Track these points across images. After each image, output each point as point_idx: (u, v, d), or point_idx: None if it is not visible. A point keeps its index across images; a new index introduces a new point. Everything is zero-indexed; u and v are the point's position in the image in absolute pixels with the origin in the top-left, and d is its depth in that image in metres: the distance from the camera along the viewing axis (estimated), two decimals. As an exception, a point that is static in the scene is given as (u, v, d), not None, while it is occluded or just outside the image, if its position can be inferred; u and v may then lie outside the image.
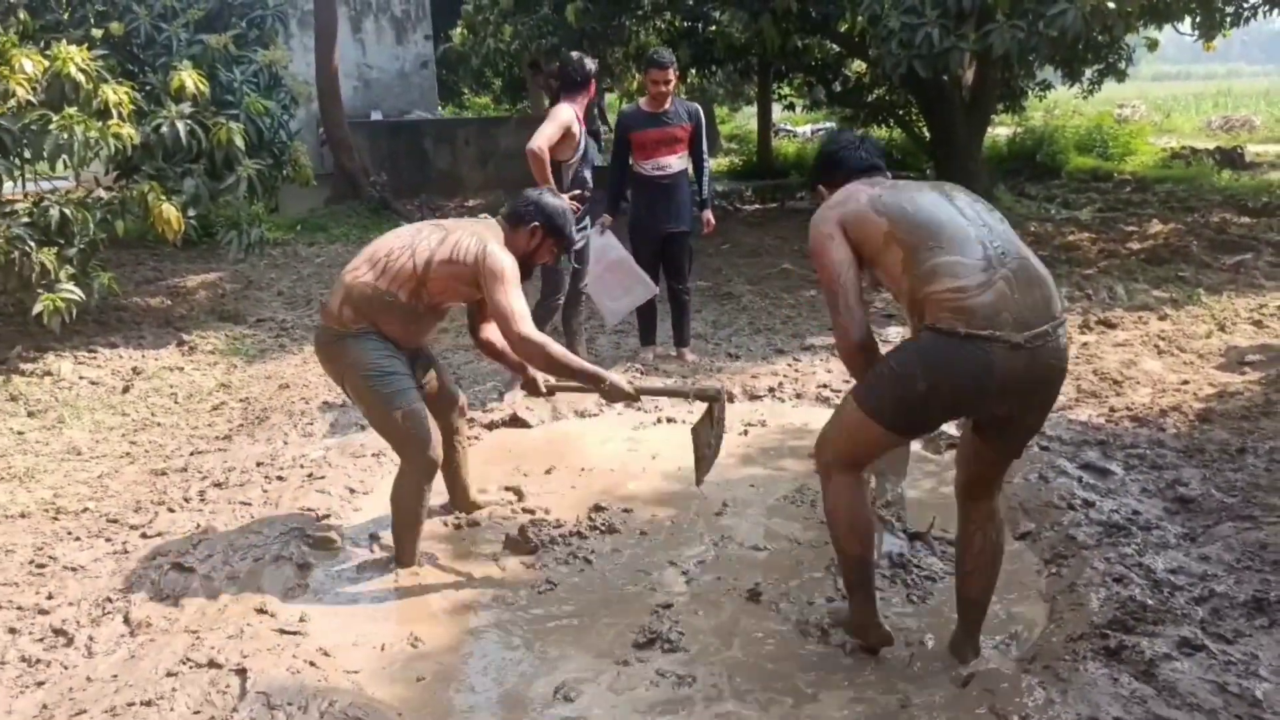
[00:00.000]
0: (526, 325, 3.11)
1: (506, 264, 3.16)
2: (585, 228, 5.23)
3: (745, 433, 4.62)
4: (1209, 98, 27.02)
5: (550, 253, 3.44)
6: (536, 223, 3.33)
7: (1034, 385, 2.45)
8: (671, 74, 5.29)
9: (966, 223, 2.50)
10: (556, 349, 3.17)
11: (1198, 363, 5.32)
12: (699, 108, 5.61)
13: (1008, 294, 2.38)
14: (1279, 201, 10.22)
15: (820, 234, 2.60)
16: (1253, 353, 5.40)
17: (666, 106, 5.34)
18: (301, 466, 4.16)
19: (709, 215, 5.64)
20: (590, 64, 5.11)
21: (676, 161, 5.42)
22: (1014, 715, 2.34)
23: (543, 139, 4.76)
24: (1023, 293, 2.40)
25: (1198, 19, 9.20)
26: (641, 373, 5.37)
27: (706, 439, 3.34)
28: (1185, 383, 4.95)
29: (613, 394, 3.22)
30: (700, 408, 3.36)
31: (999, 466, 2.68)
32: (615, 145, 5.52)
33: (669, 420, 4.84)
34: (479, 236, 3.20)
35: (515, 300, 3.12)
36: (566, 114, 4.94)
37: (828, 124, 19.27)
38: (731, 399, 5.09)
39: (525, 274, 3.33)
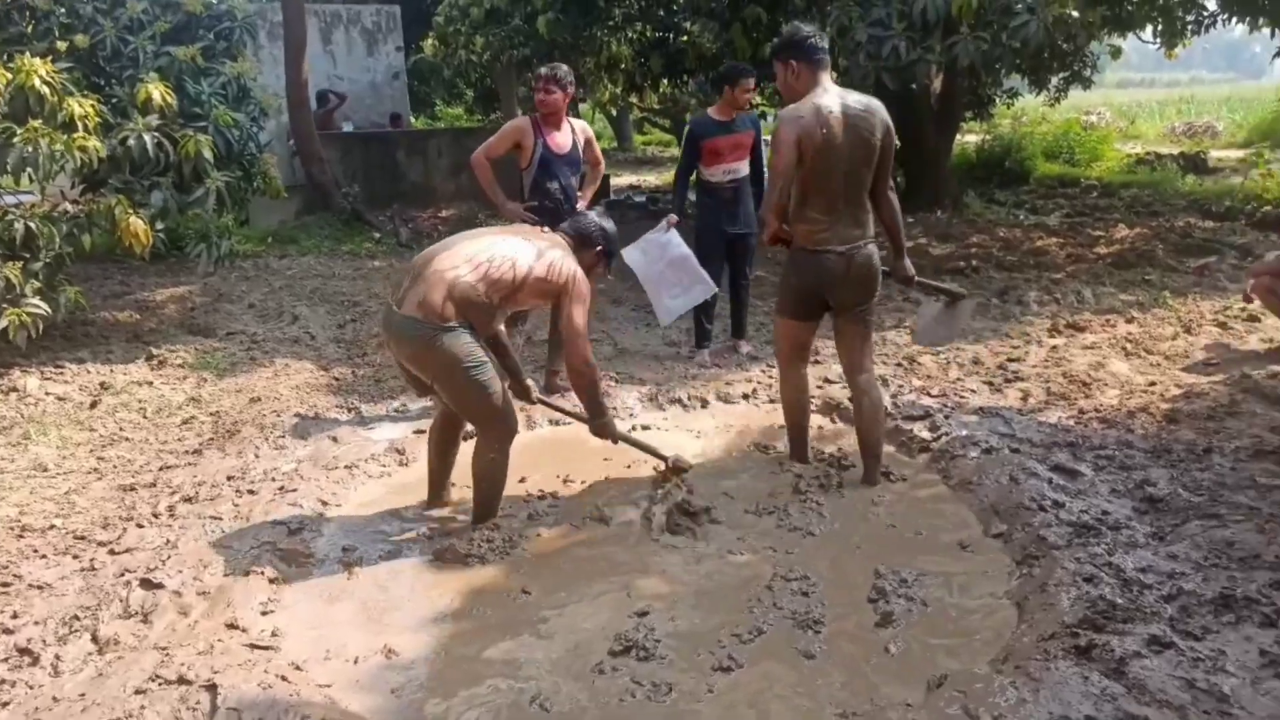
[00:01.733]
0: (588, 348, 3.67)
1: (587, 290, 3.65)
2: None
3: (724, 440, 4.64)
4: (1172, 104, 27.44)
5: (600, 271, 3.92)
6: (601, 246, 3.83)
7: None
8: (752, 83, 5.62)
9: None
10: (598, 378, 3.78)
11: (1164, 364, 5.40)
12: (756, 116, 5.90)
13: None
14: (1241, 206, 10.39)
15: None
16: (1217, 354, 5.49)
17: (735, 116, 5.60)
18: (273, 480, 4.12)
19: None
20: (542, 71, 5.17)
21: (743, 167, 5.69)
22: (986, 715, 2.36)
23: (480, 148, 5.21)
24: None
25: (1159, 27, 9.38)
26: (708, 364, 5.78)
27: (664, 491, 3.88)
28: (1152, 384, 5.02)
29: (601, 431, 3.86)
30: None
31: None
32: (685, 151, 5.84)
33: (643, 428, 4.84)
34: (566, 258, 3.64)
35: (585, 324, 3.65)
36: (511, 124, 5.29)
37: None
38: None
39: None
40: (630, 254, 5.55)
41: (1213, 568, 3.04)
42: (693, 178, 5.82)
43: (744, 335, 6.05)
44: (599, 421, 3.84)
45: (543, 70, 5.15)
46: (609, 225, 3.89)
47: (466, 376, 3.44)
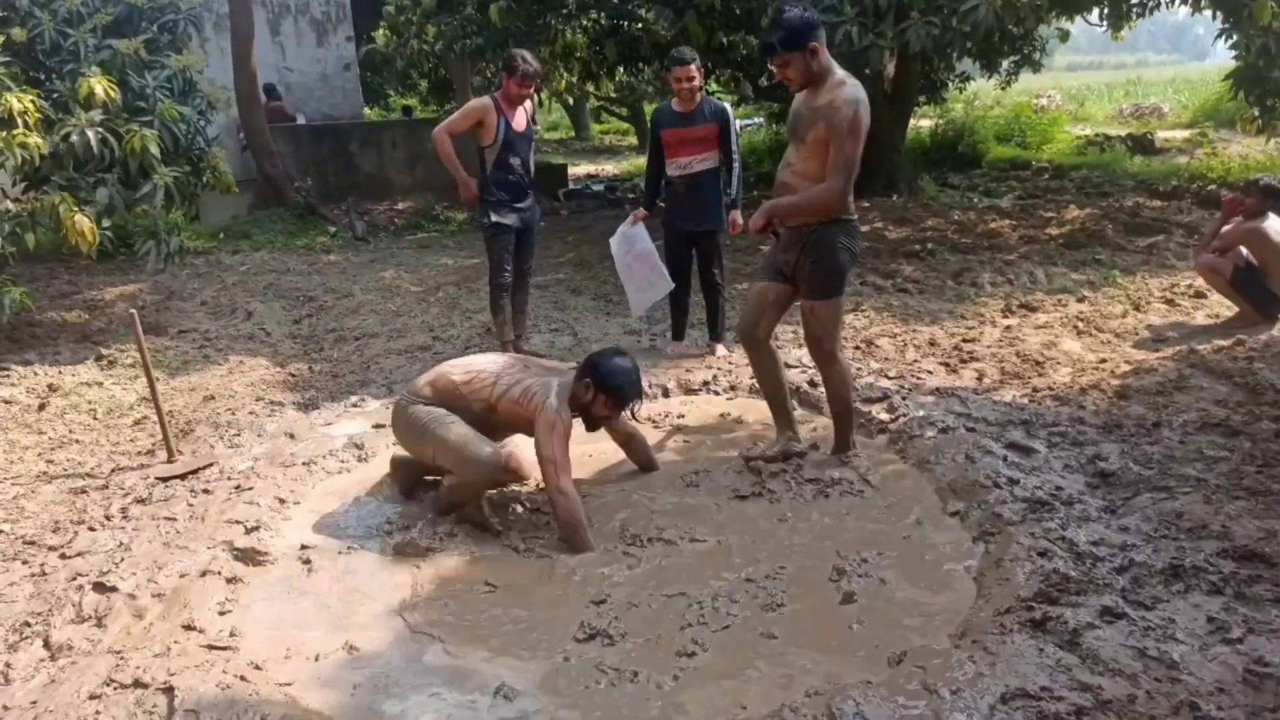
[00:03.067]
0: (564, 478, 3.49)
1: (557, 421, 3.52)
2: (526, 208, 5.60)
3: (679, 427, 4.65)
4: (1120, 86, 27.91)
5: (608, 407, 3.65)
6: (588, 379, 3.60)
7: None
8: (694, 70, 5.33)
9: None
10: (575, 511, 3.47)
11: (1115, 342, 5.51)
12: (727, 107, 5.61)
13: None
14: (1187, 185, 10.61)
15: None
16: (1167, 330, 5.62)
17: (694, 106, 5.40)
18: (229, 478, 4.06)
19: (736, 216, 5.48)
20: (528, 70, 5.30)
21: (699, 161, 5.45)
22: (945, 689, 2.39)
23: (442, 124, 5.43)
24: None
25: (1106, 10, 9.52)
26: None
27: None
28: (1103, 361, 5.11)
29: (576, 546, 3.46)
30: None
31: None
32: (650, 143, 5.72)
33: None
34: (548, 390, 3.60)
35: (557, 451, 3.50)
36: (474, 103, 5.47)
37: (756, 119, 19.44)
38: (668, 394, 5.13)
39: (590, 426, 3.74)
40: (613, 243, 5.64)
41: (1162, 539, 3.11)
42: None
43: (721, 338, 5.78)
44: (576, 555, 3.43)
45: (528, 69, 5.29)
46: (604, 360, 3.63)
47: (425, 432, 3.61)
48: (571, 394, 3.62)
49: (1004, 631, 2.63)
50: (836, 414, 4.10)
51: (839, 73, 3.69)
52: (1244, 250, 5.57)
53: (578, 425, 3.69)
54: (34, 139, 5.33)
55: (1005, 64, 13.32)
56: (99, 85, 5.75)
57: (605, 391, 3.60)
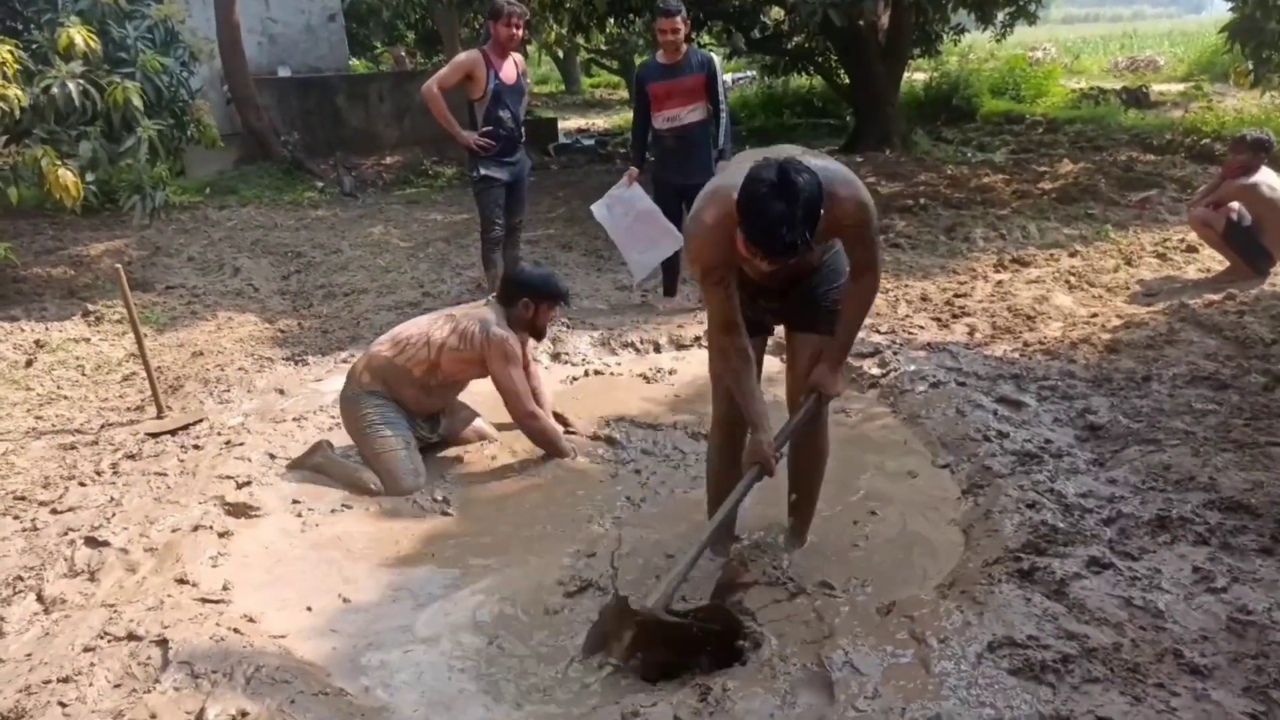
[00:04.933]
0: (529, 403, 3.72)
1: (509, 349, 3.66)
2: (515, 162, 5.58)
3: (671, 381, 4.64)
4: (1116, 39, 27.70)
5: (551, 312, 3.87)
6: (525, 299, 3.78)
7: None
8: (679, 22, 5.29)
9: None
10: (550, 426, 3.79)
11: (1106, 296, 5.50)
12: (713, 57, 5.55)
13: None
14: (1181, 139, 10.55)
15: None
16: (1158, 284, 5.62)
17: (680, 58, 5.36)
18: (219, 434, 4.05)
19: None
20: (514, 9, 5.27)
21: (688, 113, 5.42)
22: (933, 639, 2.42)
23: (431, 79, 5.38)
24: None
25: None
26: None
27: None
28: (1094, 316, 5.11)
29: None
30: None
31: None
32: (636, 98, 5.69)
33: (596, 372, 4.84)
34: (482, 320, 3.69)
35: (517, 380, 3.69)
36: (463, 56, 5.42)
37: (749, 72, 19.20)
38: (658, 348, 5.13)
39: (538, 337, 3.95)
40: (598, 210, 5.54)
41: (1150, 491, 3.13)
42: None
43: None
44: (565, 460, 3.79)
45: (514, 9, 5.26)
46: (526, 273, 3.98)
47: (363, 434, 3.68)
48: (513, 319, 3.78)
49: (992, 582, 2.65)
50: (814, 487, 3.04)
51: None
52: (1237, 205, 5.54)
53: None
54: (13, 90, 5.22)
55: (1001, 16, 13.10)
56: (78, 35, 5.62)
57: (546, 299, 3.82)
